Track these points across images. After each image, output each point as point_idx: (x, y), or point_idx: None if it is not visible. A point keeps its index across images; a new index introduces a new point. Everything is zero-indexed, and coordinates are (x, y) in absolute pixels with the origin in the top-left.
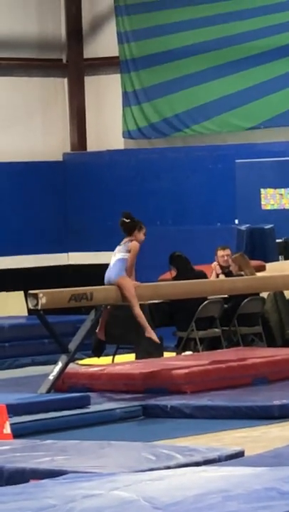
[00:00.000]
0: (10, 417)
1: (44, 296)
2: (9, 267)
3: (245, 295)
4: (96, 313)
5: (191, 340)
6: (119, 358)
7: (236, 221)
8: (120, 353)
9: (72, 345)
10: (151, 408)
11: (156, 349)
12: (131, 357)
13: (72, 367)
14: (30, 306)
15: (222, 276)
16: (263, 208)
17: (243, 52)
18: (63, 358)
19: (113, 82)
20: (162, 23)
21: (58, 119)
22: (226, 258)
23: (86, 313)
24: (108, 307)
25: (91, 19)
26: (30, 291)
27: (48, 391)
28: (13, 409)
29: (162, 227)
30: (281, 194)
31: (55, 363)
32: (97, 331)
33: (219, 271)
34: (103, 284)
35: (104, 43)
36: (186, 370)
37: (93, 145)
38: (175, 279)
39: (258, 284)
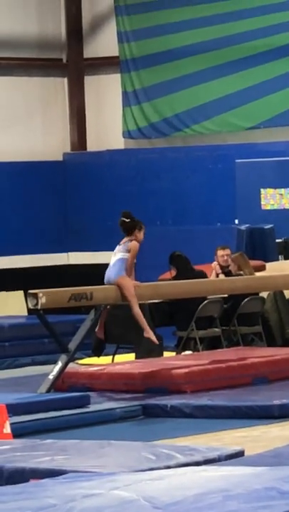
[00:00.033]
0: (10, 416)
1: (44, 296)
2: (9, 266)
3: (245, 295)
4: (96, 313)
5: (191, 339)
6: (119, 358)
7: (236, 221)
8: (120, 353)
9: (72, 345)
10: (151, 408)
11: (156, 349)
12: (131, 356)
13: (72, 366)
14: (30, 306)
15: (222, 276)
16: (263, 207)
17: (243, 52)
18: (63, 357)
19: (113, 81)
20: (162, 22)
21: (58, 119)
22: (225, 258)
23: (86, 312)
24: (108, 307)
25: (91, 19)
26: (30, 291)
27: (48, 391)
28: (13, 409)
29: (162, 227)
30: (281, 194)
31: (55, 362)
32: (96, 330)
33: (219, 271)
34: (103, 284)
35: (105, 43)
36: (186, 370)
37: (93, 145)
38: (175, 278)
39: (258, 283)
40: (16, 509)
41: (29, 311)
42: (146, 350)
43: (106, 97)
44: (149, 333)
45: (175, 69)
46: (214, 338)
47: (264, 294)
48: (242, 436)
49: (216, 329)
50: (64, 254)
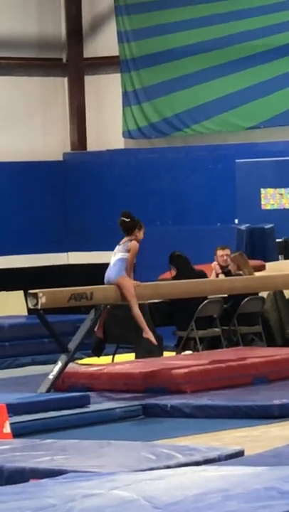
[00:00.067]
0: (10, 416)
1: (44, 296)
2: (9, 266)
3: (244, 294)
4: (96, 313)
5: (190, 339)
6: (119, 358)
7: (236, 221)
8: (120, 353)
9: (72, 345)
10: (151, 407)
11: (156, 348)
12: (131, 356)
13: (72, 366)
14: (30, 306)
15: (222, 276)
16: (263, 207)
17: (243, 52)
18: (63, 357)
19: (113, 81)
20: (162, 22)
21: (58, 119)
22: (225, 258)
23: (86, 312)
24: (108, 307)
25: (91, 19)
26: (30, 291)
27: (48, 390)
28: (13, 409)
29: (162, 226)
30: (281, 194)
31: (54, 362)
32: (95, 329)
33: (219, 271)
34: (103, 284)
35: (105, 43)
36: (186, 370)
37: (93, 145)
38: (175, 278)
39: (258, 283)
40: (15, 509)
41: (29, 310)
42: (146, 350)
43: (106, 97)
44: (148, 334)
45: (175, 69)
46: (214, 338)
47: (264, 294)
48: (242, 436)
49: (216, 329)
50: (64, 254)
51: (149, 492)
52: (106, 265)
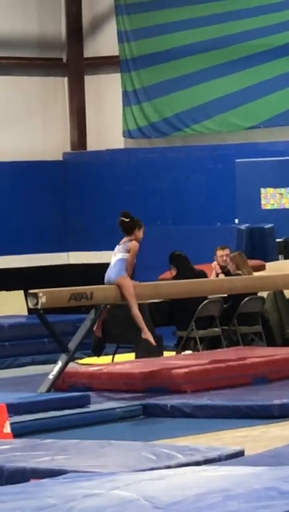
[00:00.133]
0: (10, 416)
1: (44, 296)
2: (9, 266)
3: (244, 294)
4: (96, 313)
5: (191, 339)
6: (119, 358)
7: (236, 221)
8: (120, 353)
9: (72, 345)
10: (151, 407)
11: (156, 348)
12: (131, 356)
13: (72, 366)
14: (30, 306)
15: (222, 276)
16: (263, 207)
17: (243, 52)
18: (63, 357)
19: (113, 81)
20: (162, 22)
21: (58, 119)
22: (224, 258)
23: (86, 312)
24: (108, 306)
25: (91, 18)
26: (30, 291)
27: (48, 390)
28: (13, 409)
29: (162, 226)
30: (281, 194)
31: (55, 362)
32: (94, 329)
33: (219, 270)
34: (103, 284)
35: (105, 42)
36: (186, 370)
37: (93, 144)
38: (175, 278)
39: (258, 283)
40: (16, 509)
41: (29, 310)
42: (146, 350)
43: (106, 97)
44: (147, 334)
45: (175, 68)
46: (214, 337)
47: (264, 294)
48: (242, 436)
49: (216, 329)
50: (64, 254)
51: (150, 492)
52: (106, 265)
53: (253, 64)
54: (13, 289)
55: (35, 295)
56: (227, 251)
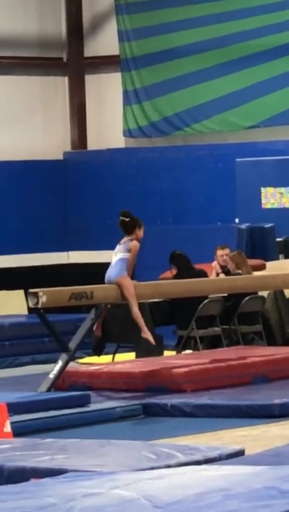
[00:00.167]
0: (10, 415)
1: (44, 295)
2: (9, 265)
3: (245, 294)
4: (96, 312)
5: (191, 338)
6: (120, 357)
7: (236, 220)
8: (120, 352)
9: (72, 344)
10: (152, 407)
11: (157, 348)
12: (131, 356)
13: (72, 365)
14: (31, 305)
15: (222, 276)
16: (263, 206)
17: (244, 51)
18: (63, 356)
19: (113, 80)
20: (163, 21)
21: (59, 118)
22: (224, 257)
23: (86, 311)
24: (108, 306)
25: (91, 18)
26: (31, 290)
27: (48, 390)
28: (14, 408)
29: (162, 226)
30: (281, 193)
31: (55, 361)
32: (94, 328)
33: (219, 270)
34: (103, 283)
35: (105, 42)
36: (187, 369)
37: (93, 144)
38: (175, 277)
39: (258, 282)
40: (16, 508)
41: (29, 310)
42: (146, 349)
43: (106, 96)
44: (147, 334)
45: (175, 68)
46: (214, 337)
47: (264, 293)
48: (242, 435)
49: (217, 328)
50: (64, 253)
51: (150, 491)
52: (106, 264)
53: (254, 63)
54: (14, 289)
55: (36, 294)
56: (227, 250)
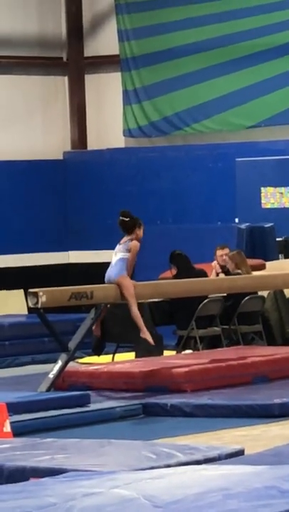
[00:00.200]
0: (10, 415)
1: (44, 295)
2: (9, 265)
3: (245, 293)
4: (96, 312)
5: (191, 338)
6: (119, 357)
7: (236, 220)
8: (120, 352)
9: (72, 344)
10: (152, 406)
11: (156, 348)
12: (131, 355)
13: (72, 365)
14: (31, 305)
15: (222, 275)
16: (263, 206)
17: (244, 51)
18: (63, 356)
19: (113, 80)
20: (163, 21)
21: (59, 118)
22: (224, 257)
23: (86, 311)
24: (108, 306)
25: (91, 17)
26: (31, 290)
27: (48, 389)
28: (13, 408)
29: (162, 225)
30: (281, 193)
31: (55, 361)
32: (93, 328)
33: (219, 270)
34: (103, 283)
35: (105, 41)
36: (186, 369)
37: (93, 143)
38: (175, 277)
39: (258, 282)
40: (16, 508)
41: (29, 309)
42: (146, 349)
43: (106, 96)
44: (146, 334)
45: (175, 67)
46: (214, 337)
47: (264, 293)
48: (242, 435)
49: (216, 328)
50: (64, 253)
51: (150, 491)
52: (106, 264)
53: (254, 63)
54: (14, 288)
55: (36, 294)
56: (226, 250)
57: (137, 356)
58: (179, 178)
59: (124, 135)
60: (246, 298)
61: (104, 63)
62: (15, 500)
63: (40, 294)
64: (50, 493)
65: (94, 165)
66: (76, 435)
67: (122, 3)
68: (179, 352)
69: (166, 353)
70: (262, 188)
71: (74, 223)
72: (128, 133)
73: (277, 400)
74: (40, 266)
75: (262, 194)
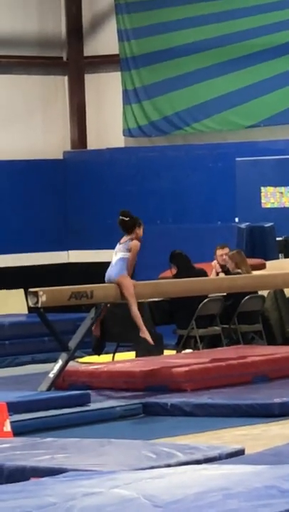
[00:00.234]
0: (10, 414)
1: (44, 294)
2: (10, 264)
3: (245, 293)
4: (96, 311)
5: (191, 338)
6: (120, 356)
7: (236, 219)
8: (120, 351)
9: (72, 343)
10: (152, 406)
11: (157, 347)
12: (131, 355)
13: (72, 365)
14: (31, 304)
15: (222, 275)
16: (263, 206)
17: (244, 51)
18: (63, 355)
19: (113, 80)
20: (162, 20)
21: (58, 117)
22: (224, 257)
23: (86, 311)
24: (108, 305)
25: (91, 17)
26: (31, 289)
27: (48, 389)
28: (14, 407)
29: (162, 225)
30: (281, 192)
31: (55, 361)
32: (92, 327)
33: (219, 269)
34: (103, 282)
35: (105, 41)
36: (187, 368)
37: (93, 143)
38: (175, 277)
39: (258, 282)
40: (16, 507)
41: (29, 309)
42: (146, 348)
43: (106, 95)
44: (145, 333)
45: (175, 67)
46: (214, 336)
47: (264, 293)
48: (242, 434)
49: (217, 327)
50: (64, 253)
51: (150, 490)
52: (106, 263)
53: (254, 63)
54: (14, 288)
55: (36, 294)
56: (226, 250)
57: (137, 356)
58: (178, 177)
59: (124, 135)
60: (246, 297)
61: (104, 63)
62: (15, 499)
63: (41, 293)
64: (50, 492)
65: (94, 164)
66: (76, 435)
67: (121, 2)
68: (179, 351)
69: (166, 352)
70: (262, 188)
71: (74, 223)
72: (128, 132)
73: (277, 400)
74: (40, 265)
75: (262, 194)
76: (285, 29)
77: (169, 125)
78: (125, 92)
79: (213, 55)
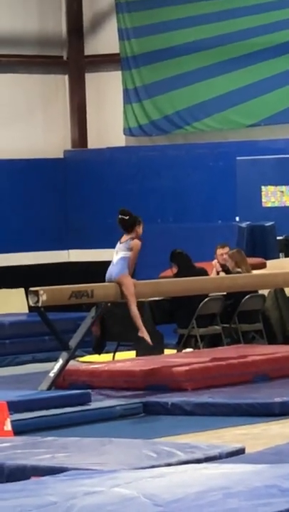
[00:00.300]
0: (11, 413)
1: (45, 293)
2: (10, 264)
3: (245, 292)
4: (97, 311)
5: (191, 337)
6: (120, 355)
7: (237, 218)
8: (121, 350)
9: (72, 343)
10: (152, 405)
11: (157, 346)
12: (131, 354)
13: (72, 364)
14: (31, 303)
15: (222, 274)
16: (264, 205)
17: (244, 50)
18: (64, 355)
19: (114, 79)
20: (163, 20)
21: (59, 116)
22: (224, 256)
23: (87, 310)
24: (109, 304)
25: (92, 16)
26: (31, 288)
27: (49, 388)
28: (14, 406)
29: (163, 224)
30: (282, 191)
31: (55, 360)
32: (92, 327)
33: (219, 268)
34: (104, 282)
35: (105, 40)
36: (187, 368)
37: (94, 142)
38: (176, 276)
39: (259, 281)
40: (16, 506)
41: (30, 308)
42: (146, 347)
43: (107, 94)
44: (144, 333)
45: (176, 66)
46: (215, 335)
47: (265, 292)
48: (243, 433)
49: (217, 327)
50: (65, 252)
51: (150, 490)
52: (107, 263)
53: (254, 62)
54: (14, 287)
55: (36, 293)
56: (227, 249)
57: (137, 355)
58: (179, 176)
59: (124, 134)
60: (247, 296)
61: (104, 62)
62: (16, 498)
63: (41, 292)
64: (51, 491)
65: (94, 164)
66: (77, 434)
67: (122, 1)
68: (179, 350)
69: (166, 351)
70: (262, 187)
71: (74, 222)
72: (128, 131)
73: (277, 399)
74: (41, 264)
75: (262, 193)
76: (285, 28)
77: (170, 124)
78: (126, 91)
79: (214, 54)
